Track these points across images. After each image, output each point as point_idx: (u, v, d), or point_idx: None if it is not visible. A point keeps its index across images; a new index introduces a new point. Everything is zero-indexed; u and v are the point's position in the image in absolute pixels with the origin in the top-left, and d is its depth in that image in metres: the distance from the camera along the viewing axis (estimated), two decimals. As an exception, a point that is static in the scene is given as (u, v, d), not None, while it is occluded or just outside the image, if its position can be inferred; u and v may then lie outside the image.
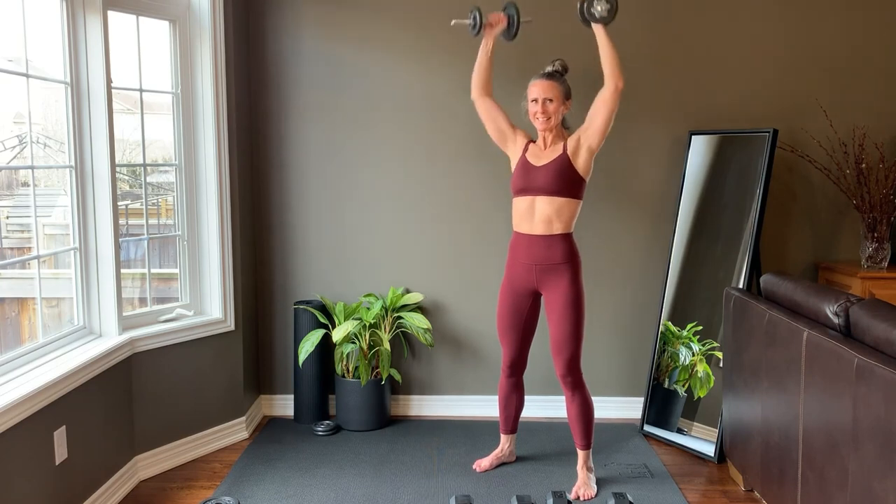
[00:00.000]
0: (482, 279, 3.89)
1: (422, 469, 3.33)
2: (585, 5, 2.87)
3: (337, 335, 3.62)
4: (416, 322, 3.72)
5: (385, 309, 3.82)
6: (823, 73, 3.80)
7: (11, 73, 2.75)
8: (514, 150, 3.15)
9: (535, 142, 3.14)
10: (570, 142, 3.02)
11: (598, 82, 3.82)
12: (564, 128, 3.13)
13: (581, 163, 3.00)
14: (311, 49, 3.84)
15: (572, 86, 3.11)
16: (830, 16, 3.77)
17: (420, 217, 3.93)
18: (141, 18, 3.27)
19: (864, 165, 3.62)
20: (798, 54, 3.79)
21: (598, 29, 2.94)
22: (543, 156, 3.07)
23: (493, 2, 3.21)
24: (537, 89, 3.03)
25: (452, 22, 3.22)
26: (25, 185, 3.13)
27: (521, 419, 3.45)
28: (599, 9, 2.86)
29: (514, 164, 3.13)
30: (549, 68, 3.09)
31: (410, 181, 3.91)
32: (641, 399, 3.88)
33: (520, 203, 3.08)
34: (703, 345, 3.56)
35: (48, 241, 3.50)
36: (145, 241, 3.48)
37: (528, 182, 3.04)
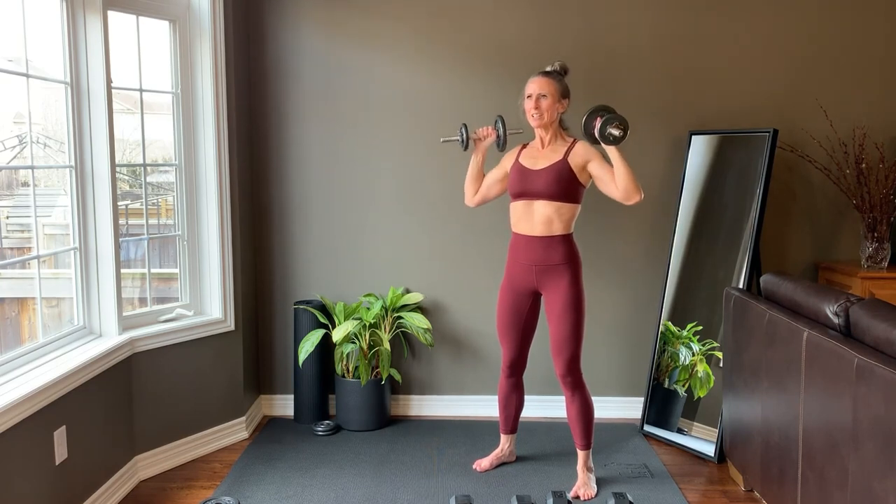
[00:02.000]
0: (482, 279, 3.89)
1: (422, 469, 3.33)
2: (599, 130, 2.90)
3: (337, 335, 3.62)
4: (416, 322, 3.72)
5: (385, 309, 3.82)
6: (823, 73, 3.80)
7: (11, 73, 2.75)
8: (509, 164, 3.18)
9: (527, 145, 3.15)
10: (576, 157, 3.00)
11: (600, 83, 3.82)
12: (563, 128, 3.13)
13: (583, 178, 3.03)
14: (310, 49, 3.84)
15: (572, 88, 3.11)
16: (830, 16, 3.77)
17: (420, 217, 3.93)
18: (141, 18, 3.27)
19: (864, 165, 3.62)
20: (798, 54, 3.79)
21: (611, 150, 2.93)
22: (541, 157, 3.06)
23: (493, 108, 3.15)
24: (533, 85, 3.03)
25: (441, 139, 3.34)
26: (25, 185, 3.14)
27: (521, 419, 3.45)
28: (616, 133, 2.89)
29: (509, 171, 3.14)
30: (548, 67, 3.09)
31: (411, 181, 3.91)
32: (641, 399, 3.88)
33: (517, 207, 3.09)
34: (703, 345, 3.56)
35: (48, 241, 3.50)
36: (145, 241, 3.48)
37: (526, 186, 3.03)
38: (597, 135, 2.93)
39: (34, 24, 2.77)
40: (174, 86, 3.42)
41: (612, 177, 2.95)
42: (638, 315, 3.93)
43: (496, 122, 3.17)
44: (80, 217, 3.06)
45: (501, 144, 3.19)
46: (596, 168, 2.99)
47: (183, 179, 3.48)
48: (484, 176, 3.26)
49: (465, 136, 3.20)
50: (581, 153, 3.01)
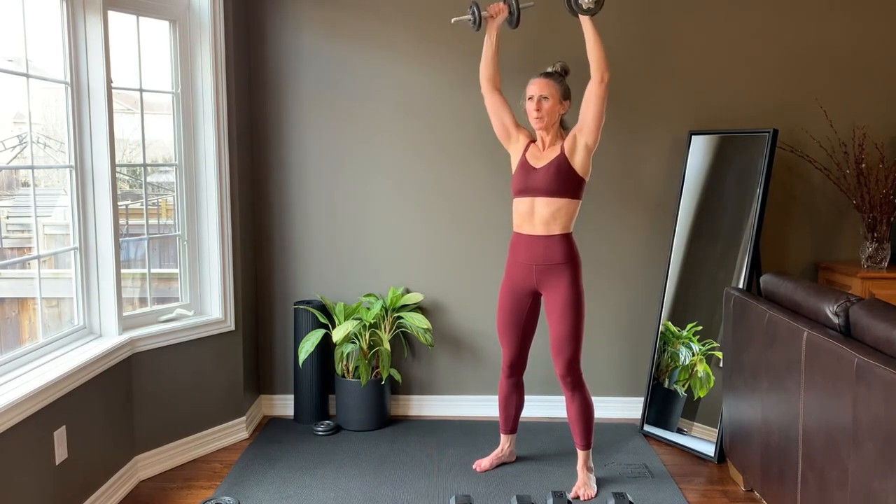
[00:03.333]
0: (482, 279, 3.89)
1: (422, 469, 3.33)
2: None
3: (337, 335, 3.62)
4: (416, 322, 3.72)
5: (385, 309, 3.82)
6: (823, 73, 3.80)
7: (11, 73, 2.75)
8: (515, 148, 3.15)
9: (535, 142, 3.15)
10: (567, 142, 3.02)
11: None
12: (563, 129, 3.13)
13: (579, 162, 3.00)
14: (311, 48, 3.84)
15: (572, 88, 3.11)
16: (831, 16, 3.77)
17: (420, 217, 3.93)
18: (141, 18, 3.27)
19: (864, 165, 3.62)
20: (798, 54, 3.79)
21: (584, 20, 2.93)
22: (542, 157, 3.07)
23: None
24: (534, 87, 3.03)
25: (452, 20, 3.22)
26: (25, 185, 3.14)
27: (521, 419, 3.45)
28: (586, 0, 2.86)
29: (514, 165, 3.14)
30: (548, 69, 3.09)
31: (411, 180, 3.91)
32: (641, 399, 3.89)
33: (520, 204, 3.09)
34: (703, 345, 3.57)
35: (48, 241, 3.50)
36: (145, 241, 3.48)
37: (528, 183, 3.04)
38: (572, 5, 2.90)
39: (34, 24, 2.77)
40: (174, 86, 3.42)
41: (584, 99, 2.96)
42: (638, 315, 3.93)
43: None
44: (80, 217, 3.06)
45: (515, 20, 3.09)
46: (580, 115, 3.00)
47: (183, 179, 3.48)
48: (497, 57, 3.16)
49: (476, 14, 3.10)
50: (570, 135, 3.03)
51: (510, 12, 3.08)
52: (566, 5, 2.99)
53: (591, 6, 2.88)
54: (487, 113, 3.21)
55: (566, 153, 3.00)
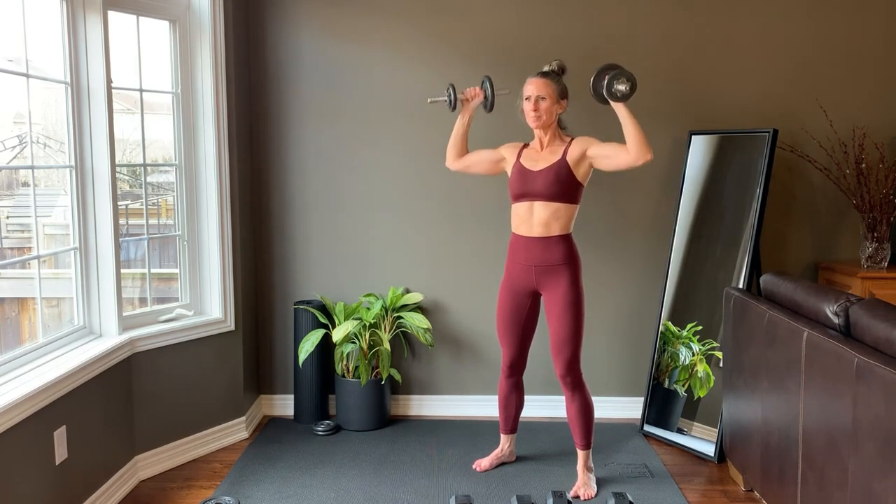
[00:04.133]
0: (482, 279, 3.89)
1: (422, 469, 3.33)
2: (606, 85, 2.85)
3: (337, 335, 3.62)
4: (416, 322, 3.72)
5: (385, 309, 3.82)
6: (823, 73, 3.80)
7: (11, 73, 2.75)
8: (509, 163, 3.16)
9: (528, 145, 3.14)
10: (573, 150, 2.99)
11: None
12: (561, 128, 3.12)
13: (582, 173, 3.01)
14: (311, 49, 3.84)
15: (572, 87, 3.11)
16: (831, 15, 3.77)
17: (420, 217, 3.93)
18: (141, 18, 3.27)
19: (864, 165, 3.62)
20: (798, 54, 3.79)
21: (619, 107, 2.88)
22: (541, 158, 3.06)
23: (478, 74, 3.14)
24: (531, 87, 3.03)
25: (429, 100, 3.28)
26: (25, 185, 3.14)
27: (521, 419, 3.45)
28: (623, 88, 2.84)
29: (510, 171, 3.13)
30: (545, 68, 3.09)
31: (411, 180, 3.91)
32: (641, 399, 3.88)
33: (518, 208, 3.08)
34: (703, 345, 3.56)
35: (48, 241, 3.50)
36: (145, 241, 3.48)
37: (526, 187, 3.03)
38: (604, 93, 2.88)
39: (34, 24, 2.77)
40: (174, 86, 3.42)
41: (614, 150, 2.92)
42: (638, 315, 3.93)
43: (483, 82, 3.14)
44: (80, 217, 3.06)
45: (489, 105, 3.15)
46: (596, 148, 2.96)
47: (183, 179, 3.48)
48: (466, 140, 3.22)
49: (452, 96, 3.16)
50: (578, 144, 3.00)
51: (485, 97, 3.14)
52: (592, 94, 2.98)
53: (627, 92, 2.84)
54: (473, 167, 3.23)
55: (569, 160, 2.99)
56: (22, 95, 2.75)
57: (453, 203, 3.90)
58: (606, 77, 2.88)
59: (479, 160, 3.22)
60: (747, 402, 2.90)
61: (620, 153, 2.89)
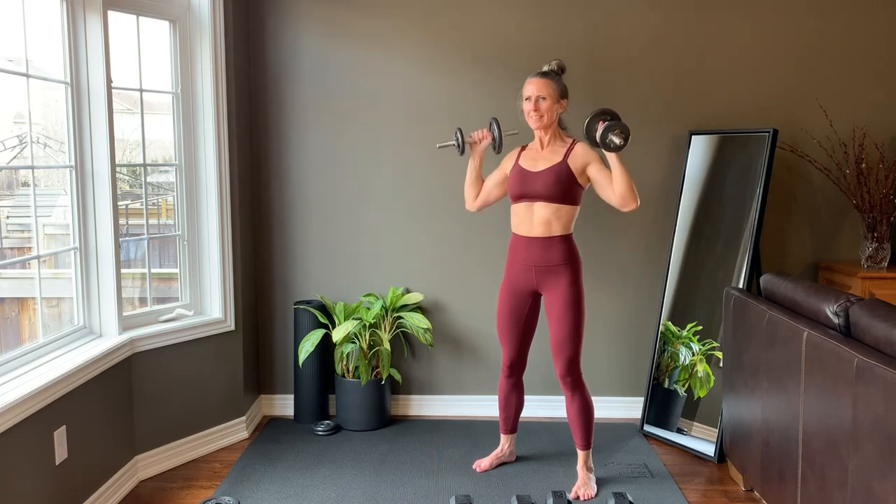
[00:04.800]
0: (482, 279, 3.89)
1: (422, 469, 3.33)
2: (601, 135, 2.89)
3: (337, 335, 3.62)
4: (416, 322, 3.72)
5: (385, 309, 3.82)
6: (823, 73, 3.80)
7: (11, 73, 2.75)
8: (508, 168, 3.17)
9: (527, 146, 3.15)
10: (576, 159, 3.00)
11: (599, 83, 3.82)
12: (562, 128, 3.12)
13: (583, 180, 3.03)
14: (311, 49, 3.84)
15: (572, 87, 3.11)
16: (831, 15, 3.77)
17: (420, 217, 3.93)
18: (141, 18, 3.27)
19: (864, 165, 3.62)
20: (798, 54, 3.79)
21: (611, 157, 2.92)
22: (541, 159, 3.06)
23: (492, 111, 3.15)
24: (531, 87, 3.03)
25: (437, 146, 3.35)
26: (25, 185, 3.14)
27: (521, 419, 3.45)
28: (617, 142, 2.87)
29: (509, 173, 3.14)
30: (545, 67, 3.09)
31: (411, 180, 3.91)
32: (641, 399, 3.88)
33: (518, 208, 3.08)
34: (703, 345, 3.57)
35: (48, 241, 3.50)
36: (145, 241, 3.48)
37: (526, 188, 3.03)
38: (598, 140, 2.93)
39: (34, 24, 2.77)
40: (174, 86, 3.42)
41: (609, 182, 2.95)
42: (638, 315, 3.93)
43: (491, 124, 3.17)
44: (80, 217, 3.06)
45: (497, 147, 3.19)
46: (594, 172, 2.99)
47: (183, 179, 3.48)
48: (482, 180, 3.26)
49: (460, 140, 3.20)
50: (580, 155, 3.01)
51: (493, 139, 3.17)
52: (586, 138, 3.04)
53: (621, 145, 2.88)
54: (489, 185, 3.25)
55: (570, 164, 2.99)
56: (22, 95, 2.75)
57: (453, 203, 3.89)
58: (601, 125, 2.92)
59: (492, 189, 3.24)
60: (747, 402, 2.90)
61: (609, 191, 2.96)
